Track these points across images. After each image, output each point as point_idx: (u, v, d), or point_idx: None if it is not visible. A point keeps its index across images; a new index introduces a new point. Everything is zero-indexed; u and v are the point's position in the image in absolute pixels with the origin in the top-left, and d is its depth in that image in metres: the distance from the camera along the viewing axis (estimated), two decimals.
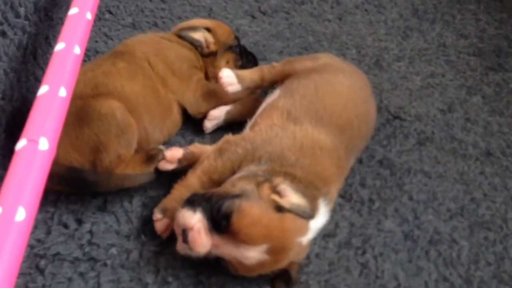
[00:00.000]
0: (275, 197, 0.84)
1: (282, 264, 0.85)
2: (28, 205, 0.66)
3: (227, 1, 1.69)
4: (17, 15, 1.10)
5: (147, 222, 0.98)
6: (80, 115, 0.95)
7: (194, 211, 0.83)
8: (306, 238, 0.86)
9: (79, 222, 0.96)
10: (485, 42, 1.57)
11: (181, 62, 1.17)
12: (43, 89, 0.84)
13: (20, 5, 1.12)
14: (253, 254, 0.81)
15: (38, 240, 0.91)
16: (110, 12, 1.56)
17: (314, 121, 1.00)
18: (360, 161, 1.16)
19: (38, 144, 0.74)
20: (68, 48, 0.93)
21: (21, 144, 0.74)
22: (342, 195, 1.08)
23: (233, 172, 0.95)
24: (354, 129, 1.04)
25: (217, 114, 1.16)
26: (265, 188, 0.85)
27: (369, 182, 1.11)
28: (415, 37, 1.58)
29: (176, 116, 1.14)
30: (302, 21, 1.62)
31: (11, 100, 1.04)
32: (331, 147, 0.98)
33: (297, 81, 1.10)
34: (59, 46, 0.93)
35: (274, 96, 1.10)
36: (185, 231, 0.83)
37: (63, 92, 0.85)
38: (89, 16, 1.03)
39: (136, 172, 0.98)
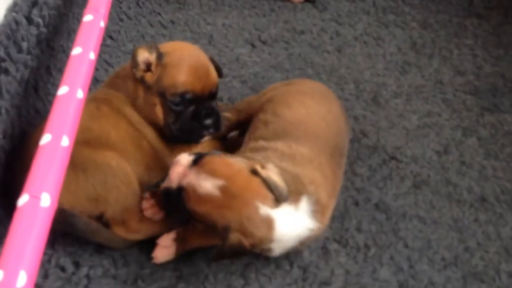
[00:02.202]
0: (257, 166, 0.91)
1: (229, 217, 0.88)
2: (30, 269, 0.67)
3: (227, 29, 1.69)
4: (20, 50, 1.10)
5: (144, 266, 0.98)
6: (73, 160, 0.93)
7: (190, 155, 0.94)
8: (264, 211, 0.88)
9: (77, 265, 0.96)
10: (482, 80, 1.58)
11: None
12: (45, 138, 0.84)
13: (23, 39, 1.12)
14: (207, 184, 0.88)
15: (36, 285, 0.91)
16: (111, 38, 1.56)
17: (288, 139, 1.05)
18: (356, 203, 1.17)
19: (40, 201, 0.74)
20: (71, 92, 0.93)
21: (23, 200, 0.74)
22: (338, 240, 1.09)
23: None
24: (324, 131, 1.08)
25: None
26: (256, 162, 0.93)
27: (365, 226, 1.12)
28: (413, 73, 1.59)
29: (160, 161, 1.12)
30: (302, 52, 1.63)
31: (12, 137, 1.04)
32: (310, 154, 1.03)
33: (255, 118, 1.15)
34: (62, 90, 0.93)
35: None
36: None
37: (65, 142, 0.85)
38: (92, 56, 1.03)
39: (152, 231, 1.00)
